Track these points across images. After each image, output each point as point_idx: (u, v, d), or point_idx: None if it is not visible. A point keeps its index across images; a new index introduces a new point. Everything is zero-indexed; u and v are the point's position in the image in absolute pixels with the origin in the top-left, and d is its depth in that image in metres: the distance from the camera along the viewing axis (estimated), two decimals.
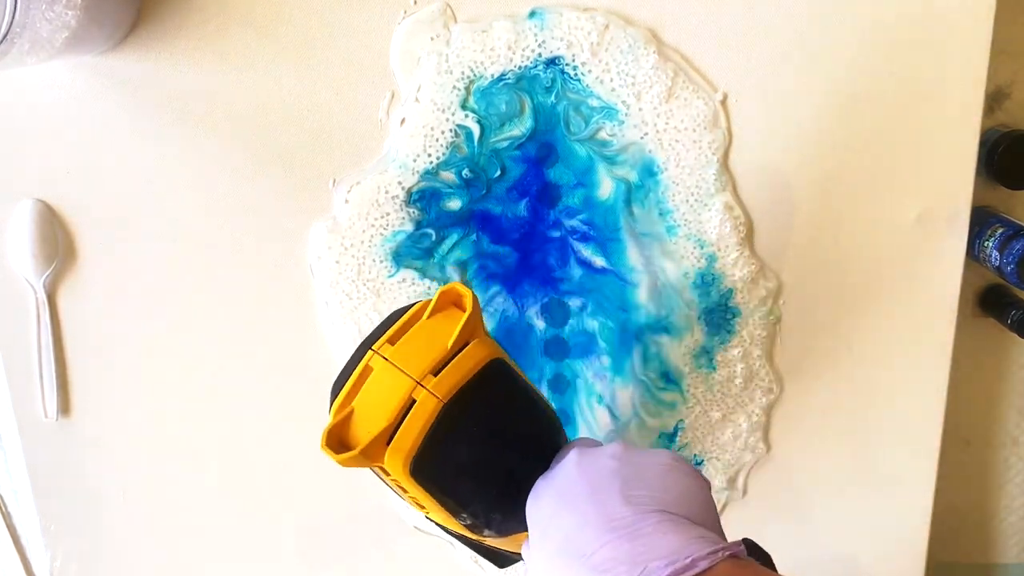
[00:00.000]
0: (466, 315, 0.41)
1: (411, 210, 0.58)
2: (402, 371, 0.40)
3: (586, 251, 0.60)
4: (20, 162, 0.55)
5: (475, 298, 0.42)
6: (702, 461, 0.65)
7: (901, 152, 0.60)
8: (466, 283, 0.60)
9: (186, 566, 0.64)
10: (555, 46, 0.56)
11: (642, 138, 0.58)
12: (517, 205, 0.59)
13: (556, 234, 0.60)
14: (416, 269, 0.59)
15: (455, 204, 0.58)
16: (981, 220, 0.69)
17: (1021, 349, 0.78)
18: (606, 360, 0.62)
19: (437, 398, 0.40)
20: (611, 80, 0.57)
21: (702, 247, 0.60)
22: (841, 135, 0.60)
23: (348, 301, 0.59)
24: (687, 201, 0.59)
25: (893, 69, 0.59)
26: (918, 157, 0.60)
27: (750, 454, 0.65)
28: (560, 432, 0.47)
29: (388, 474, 0.41)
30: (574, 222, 0.60)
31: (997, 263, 0.67)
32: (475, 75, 0.56)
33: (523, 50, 0.56)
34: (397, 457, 0.40)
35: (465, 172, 0.57)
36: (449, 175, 0.57)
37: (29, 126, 0.54)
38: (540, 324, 0.61)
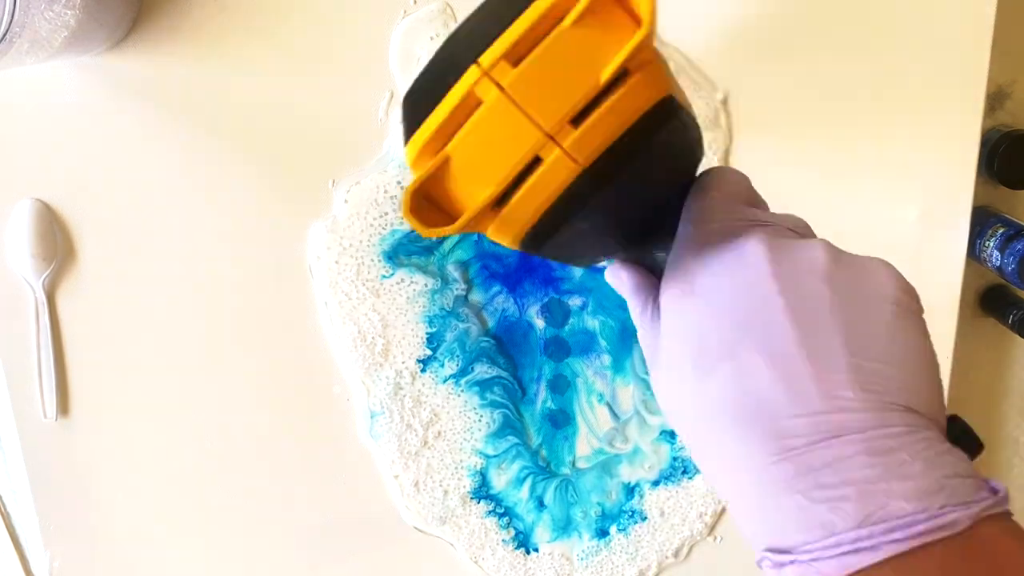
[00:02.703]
0: (641, 33, 0.28)
1: None
2: (527, 116, 0.27)
3: None
4: (20, 162, 0.55)
5: (654, 5, 0.29)
6: None
7: (901, 152, 0.60)
8: (468, 282, 0.60)
9: (186, 566, 0.64)
10: None
11: None
12: None
13: None
14: (416, 268, 0.59)
15: None
16: (982, 220, 0.69)
17: (1022, 349, 0.78)
18: (607, 359, 0.62)
19: (575, 162, 0.28)
20: None
21: None
22: (841, 135, 0.60)
23: (347, 301, 0.59)
24: None
25: (893, 69, 0.59)
26: (918, 157, 0.60)
27: None
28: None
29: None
30: None
31: (998, 263, 0.67)
32: None
33: None
34: (506, 232, 0.29)
35: None
36: None
37: (29, 126, 0.54)
38: (540, 324, 0.61)
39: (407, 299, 0.59)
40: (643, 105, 0.28)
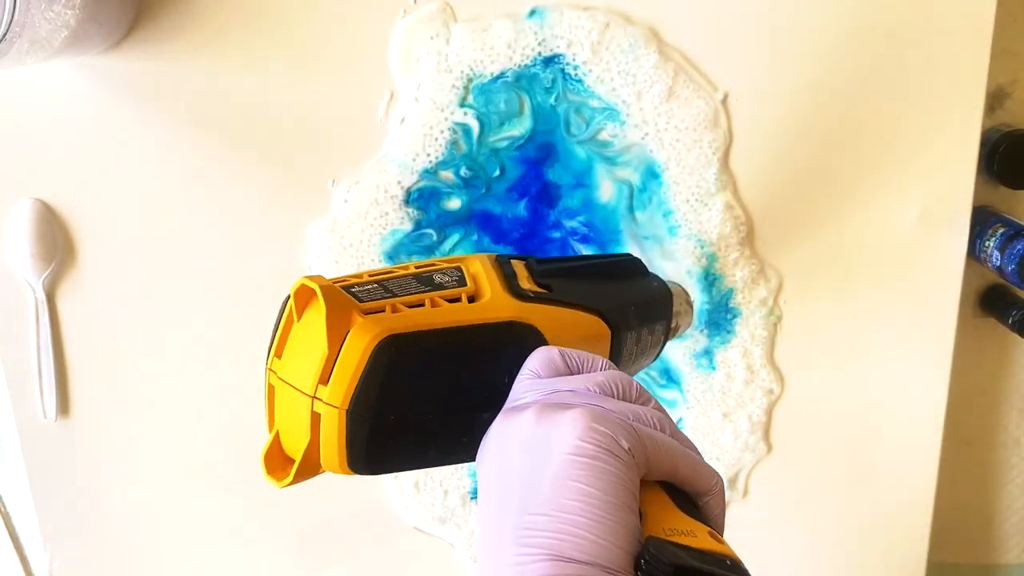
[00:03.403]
0: (323, 312, 0.35)
1: (410, 210, 0.58)
2: (292, 387, 0.36)
3: (586, 252, 0.60)
4: (20, 162, 0.55)
5: (327, 287, 0.36)
6: None
7: (901, 152, 0.60)
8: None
9: (186, 566, 0.64)
10: (555, 44, 0.56)
11: (643, 138, 0.58)
12: (517, 205, 0.59)
13: (556, 235, 0.60)
14: None
15: (455, 203, 0.58)
16: (982, 220, 0.69)
17: (1022, 349, 0.78)
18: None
19: (336, 408, 0.35)
20: (612, 79, 0.57)
21: (702, 247, 0.60)
22: (841, 135, 0.60)
23: None
24: (688, 201, 0.59)
25: (894, 69, 0.59)
26: (918, 157, 0.60)
27: (750, 454, 0.65)
28: (530, 335, 0.39)
29: None
30: (574, 223, 0.59)
31: (998, 263, 0.67)
32: (474, 74, 0.56)
33: (523, 49, 0.56)
34: (335, 470, 0.36)
35: (464, 171, 0.57)
36: (448, 175, 0.57)
37: (29, 126, 0.54)
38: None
39: None
40: (366, 349, 0.35)
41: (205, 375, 0.60)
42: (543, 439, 0.30)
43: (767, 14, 0.57)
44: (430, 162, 0.57)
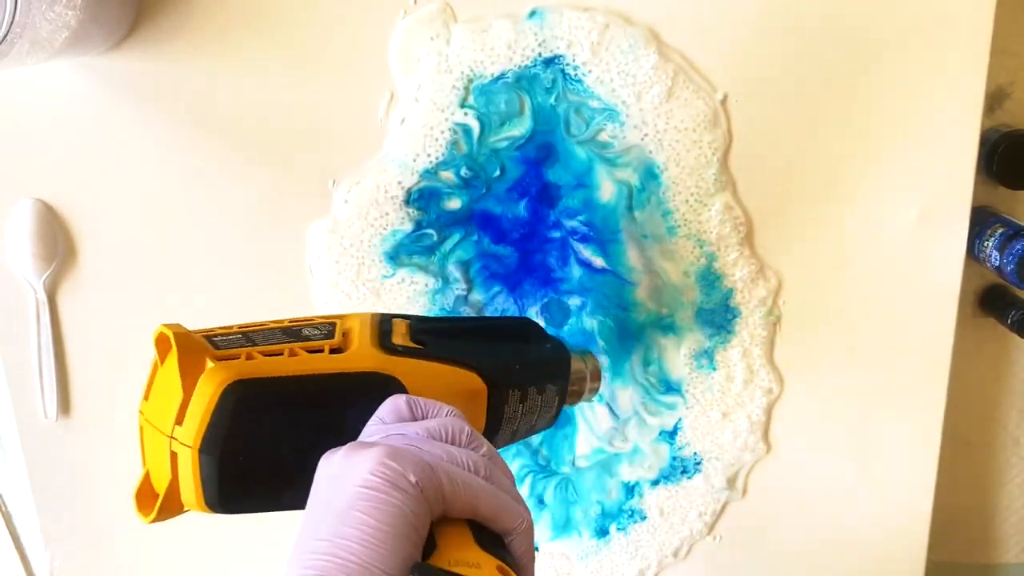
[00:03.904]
0: (174, 357, 0.38)
1: (411, 210, 0.58)
2: (155, 427, 0.39)
3: (586, 251, 0.60)
4: (20, 162, 0.55)
5: (180, 333, 0.38)
6: (701, 461, 0.65)
7: (901, 152, 0.60)
8: (469, 282, 0.60)
9: (186, 566, 0.64)
10: (555, 45, 0.56)
11: (642, 139, 0.58)
12: (517, 205, 0.59)
13: (556, 235, 0.60)
14: (416, 268, 0.59)
15: (455, 204, 0.58)
16: (981, 220, 0.69)
17: (1021, 349, 0.78)
18: (604, 359, 0.62)
19: (188, 447, 0.37)
20: (611, 80, 0.57)
21: (702, 247, 0.60)
22: (841, 135, 0.60)
23: (348, 301, 0.59)
24: (687, 201, 0.59)
25: (893, 69, 0.59)
26: (918, 157, 0.60)
27: (750, 454, 0.65)
28: (391, 386, 0.41)
29: None
30: (574, 223, 0.60)
31: (997, 263, 0.67)
32: (475, 74, 0.56)
33: (523, 49, 0.56)
34: (194, 507, 0.39)
35: (464, 171, 0.57)
36: (449, 175, 0.57)
37: (29, 126, 0.54)
38: (540, 324, 0.61)
39: (408, 299, 0.59)
40: (214, 392, 0.37)
41: None
42: (343, 474, 0.32)
43: (767, 14, 0.57)
44: (430, 162, 0.57)
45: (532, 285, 0.61)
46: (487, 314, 0.61)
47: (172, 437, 0.38)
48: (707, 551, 0.68)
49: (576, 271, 0.60)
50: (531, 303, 0.61)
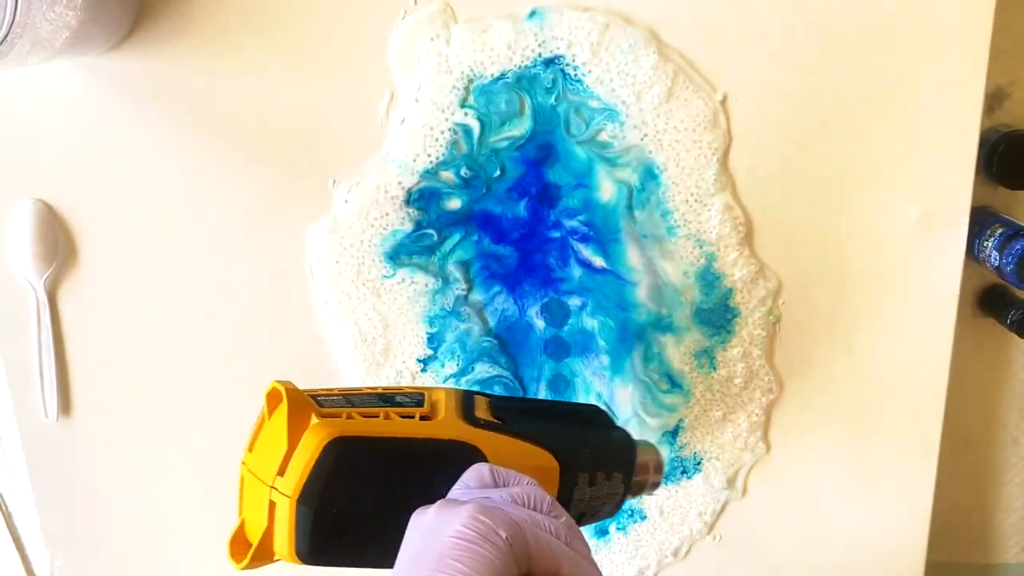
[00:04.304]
0: (283, 411, 0.40)
1: (411, 210, 0.58)
2: (257, 477, 0.41)
3: (586, 251, 0.60)
4: (20, 162, 0.55)
5: (292, 390, 0.41)
6: (701, 461, 0.65)
7: (901, 152, 0.60)
8: (469, 282, 0.60)
9: (186, 566, 0.64)
10: (555, 45, 0.56)
11: (642, 139, 0.58)
12: (517, 205, 0.59)
13: (556, 235, 0.60)
14: (416, 268, 0.59)
15: (455, 204, 0.58)
16: (981, 220, 0.69)
17: (1021, 349, 0.78)
18: (605, 359, 0.62)
19: (287, 496, 0.40)
20: (611, 80, 0.57)
21: (702, 247, 0.60)
22: (841, 135, 0.60)
23: (348, 301, 0.59)
24: (687, 201, 0.60)
25: (893, 69, 0.59)
26: (918, 157, 0.60)
27: (750, 454, 0.65)
28: (473, 455, 0.44)
29: None
30: (574, 223, 0.60)
31: (997, 263, 0.67)
32: (475, 75, 0.56)
33: (523, 50, 0.56)
34: (284, 557, 0.41)
35: (464, 171, 0.57)
36: (449, 175, 0.58)
37: (29, 126, 0.54)
38: (540, 324, 0.61)
39: (408, 299, 0.59)
40: (318, 446, 0.40)
41: (205, 375, 0.60)
42: (437, 526, 0.35)
43: (767, 15, 0.57)
44: (431, 162, 0.57)
45: (532, 285, 0.61)
46: (491, 323, 0.61)
47: (273, 487, 0.40)
48: (707, 551, 0.68)
49: (576, 271, 0.60)
50: (531, 303, 0.61)
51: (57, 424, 0.59)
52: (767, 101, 0.59)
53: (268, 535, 0.41)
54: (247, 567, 0.41)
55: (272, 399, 0.42)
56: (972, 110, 0.60)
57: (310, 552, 0.40)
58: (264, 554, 0.41)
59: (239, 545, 0.42)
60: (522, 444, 0.46)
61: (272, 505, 0.40)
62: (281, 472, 0.40)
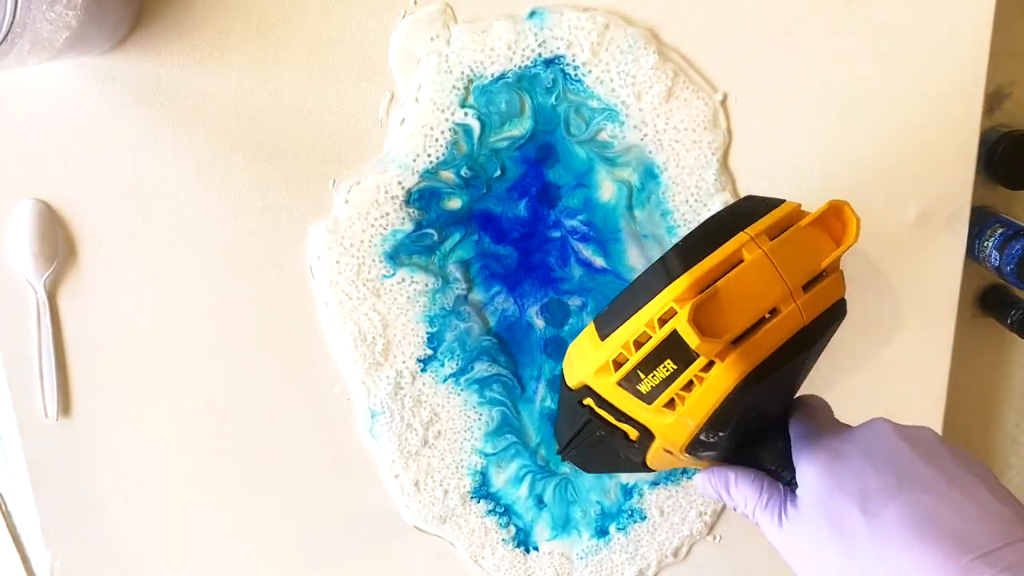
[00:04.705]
0: (850, 242, 0.38)
1: (411, 210, 0.58)
2: (779, 273, 0.37)
3: (586, 251, 0.60)
4: (20, 162, 0.55)
5: (859, 225, 0.39)
6: None
7: (901, 152, 0.60)
8: (469, 282, 0.60)
9: (186, 566, 0.64)
10: (555, 45, 0.56)
11: (642, 139, 0.58)
12: (517, 205, 0.59)
13: (556, 234, 0.60)
14: (416, 268, 0.59)
15: (455, 203, 0.58)
16: (981, 220, 0.69)
17: (1021, 349, 0.78)
18: None
19: (802, 316, 0.37)
20: (611, 80, 0.57)
21: None
22: (841, 135, 0.60)
23: (348, 301, 0.59)
24: (687, 201, 0.60)
25: (893, 69, 0.59)
26: (918, 157, 0.60)
27: None
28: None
29: (687, 367, 0.39)
30: (574, 222, 0.60)
31: (997, 263, 0.67)
32: (475, 75, 0.56)
33: (523, 50, 0.56)
34: (738, 365, 0.37)
35: (464, 171, 0.57)
36: (449, 175, 0.58)
37: (29, 126, 0.54)
38: (540, 324, 0.61)
39: (408, 299, 0.59)
40: (840, 293, 0.39)
41: (206, 375, 0.60)
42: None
43: (767, 15, 0.57)
44: (431, 162, 0.57)
45: (532, 285, 0.61)
46: (491, 323, 0.61)
47: (792, 296, 0.38)
48: (707, 551, 0.68)
49: (576, 271, 0.60)
50: (531, 303, 0.61)
51: (57, 424, 0.59)
52: (767, 101, 0.59)
53: (742, 331, 0.37)
54: (703, 348, 0.37)
55: (830, 214, 0.40)
56: (972, 110, 0.60)
57: (757, 377, 0.38)
58: (718, 350, 0.37)
59: (707, 316, 0.37)
60: None
61: (773, 313, 0.37)
62: (805, 288, 0.38)
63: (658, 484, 0.65)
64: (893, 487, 0.38)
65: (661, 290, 0.39)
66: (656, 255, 0.60)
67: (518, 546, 0.65)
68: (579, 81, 0.57)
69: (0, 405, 0.59)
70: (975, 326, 0.76)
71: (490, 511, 0.64)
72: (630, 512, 0.66)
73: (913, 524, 0.37)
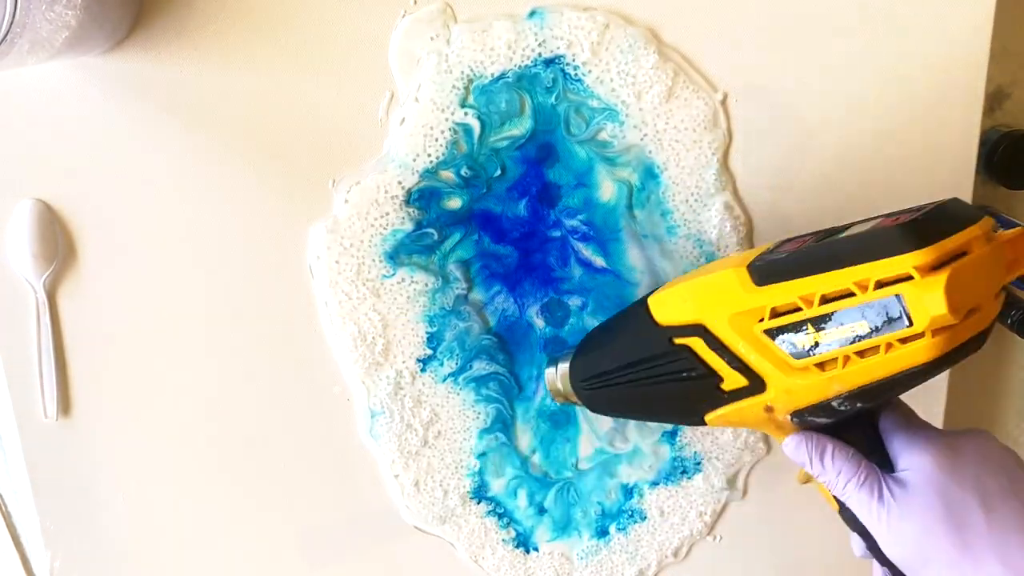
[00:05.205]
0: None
1: (411, 209, 0.58)
2: (995, 275, 0.42)
3: (586, 251, 0.60)
4: (20, 162, 0.55)
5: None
6: (701, 461, 0.65)
7: (901, 152, 0.60)
8: (469, 281, 0.60)
9: (186, 566, 0.64)
10: (555, 45, 0.56)
11: (642, 139, 0.58)
12: (517, 205, 0.59)
13: (556, 234, 0.60)
14: (416, 267, 0.59)
15: (455, 203, 0.58)
16: None
17: (1021, 349, 0.78)
18: None
19: (987, 322, 0.43)
20: (611, 80, 0.57)
21: (702, 247, 0.60)
22: (841, 135, 0.60)
23: (348, 301, 0.59)
24: (687, 201, 0.60)
25: (893, 69, 0.59)
26: (918, 157, 0.60)
27: (750, 454, 0.65)
28: None
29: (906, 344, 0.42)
30: (574, 222, 0.60)
31: None
32: (475, 74, 0.56)
33: (523, 49, 0.56)
34: (941, 345, 0.40)
35: (464, 170, 0.57)
36: (449, 174, 0.58)
37: (29, 126, 0.54)
38: (540, 323, 0.61)
39: (407, 298, 0.59)
40: (994, 316, 0.45)
41: (206, 375, 0.60)
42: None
43: (767, 15, 0.57)
44: (431, 162, 0.57)
45: (532, 284, 0.61)
46: (491, 323, 0.61)
47: (1004, 287, 0.44)
48: (707, 551, 0.68)
49: (576, 271, 0.60)
50: (531, 302, 0.61)
51: (57, 424, 0.59)
52: (767, 101, 0.59)
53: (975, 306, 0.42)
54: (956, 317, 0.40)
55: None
56: (973, 110, 0.60)
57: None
58: (961, 329, 0.42)
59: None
60: None
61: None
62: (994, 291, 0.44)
63: (658, 485, 0.65)
64: (1007, 488, 0.43)
65: (894, 255, 0.41)
66: (656, 254, 0.60)
67: (518, 547, 0.65)
68: (579, 81, 0.57)
69: (0, 405, 0.59)
70: None
71: (490, 511, 0.64)
72: (630, 512, 0.66)
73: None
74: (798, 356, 0.45)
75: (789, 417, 0.48)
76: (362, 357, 0.60)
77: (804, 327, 0.44)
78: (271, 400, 0.61)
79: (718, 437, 0.65)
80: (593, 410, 0.58)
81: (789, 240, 0.49)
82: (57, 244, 0.56)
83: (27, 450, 0.59)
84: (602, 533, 0.66)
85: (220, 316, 0.59)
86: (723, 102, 0.58)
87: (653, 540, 0.66)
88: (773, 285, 0.45)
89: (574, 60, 0.56)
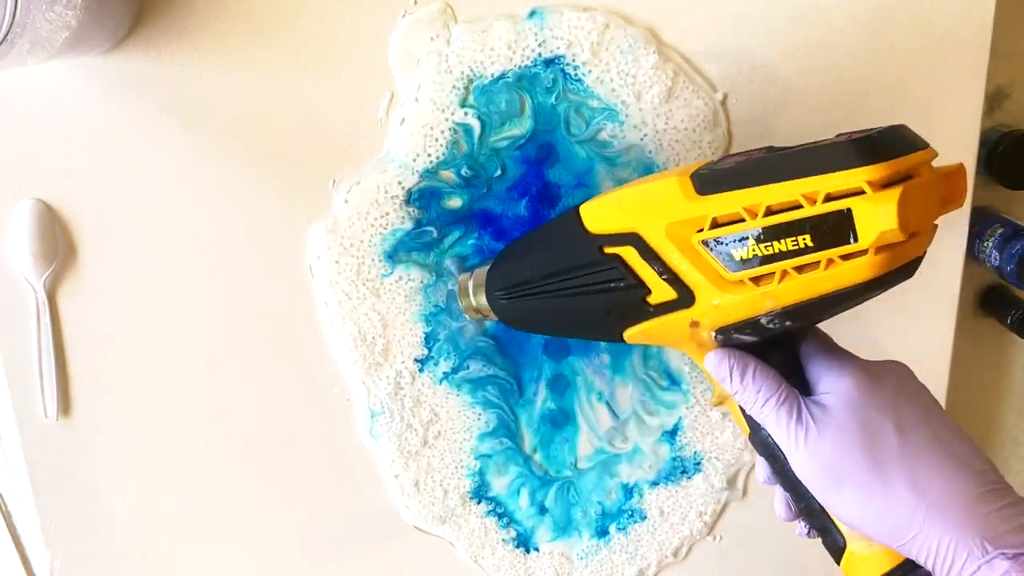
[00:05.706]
0: (959, 204, 0.43)
1: (411, 209, 0.58)
2: (937, 201, 0.42)
3: None
4: (20, 162, 0.55)
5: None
6: (701, 461, 0.65)
7: None
8: (465, 270, 0.59)
9: (186, 566, 0.64)
10: (555, 45, 0.56)
11: (642, 139, 0.58)
12: (517, 205, 0.59)
13: None
14: (413, 263, 0.59)
15: (456, 203, 0.58)
16: (981, 220, 0.69)
17: (1021, 349, 0.78)
18: (606, 358, 0.62)
19: (922, 248, 0.43)
20: (611, 80, 0.57)
21: None
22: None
23: (348, 301, 0.59)
24: None
25: (893, 69, 0.59)
26: None
27: (750, 454, 0.65)
28: None
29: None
30: None
31: (997, 263, 0.67)
32: (475, 75, 0.56)
33: (523, 50, 0.56)
34: (881, 264, 0.40)
35: (464, 170, 0.57)
36: (449, 174, 0.58)
37: (29, 126, 0.54)
38: None
39: (405, 297, 0.59)
40: (924, 247, 0.44)
41: (206, 375, 0.60)
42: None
43: (767, 15, 0.57)
44: (431, 162, 0.57)
45: None
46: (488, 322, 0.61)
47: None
48: (707, 551, 0.68)
49: None
50: None
51: (57, 424, 0.59)
52: (767, 102, 0.59)
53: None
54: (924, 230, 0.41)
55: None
56: (972, 110, 0.60)
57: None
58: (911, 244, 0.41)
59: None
60: None
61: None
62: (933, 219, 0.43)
63: (658, 484, 0.65)
64: (922, 416, 0.44)
65: (846, 169, 0.40)
66: None
67: (518, 546, 0.65)
68: (579, 81, 0.57)
69: (0, 405, 0.59)
70: (975, 326, 0.76)
71: (490, 511, 0.64)
72: (630, 512, 0.66)
73: (939, 450, 0.42)
74: (734, 269, 0.43)
75: (713, 334, 0.46)
76: (362, 357, 0.60)
77: (745, 239, 0.42)
78: (271, 400, 0.61)
79: (718, 437, 0.65)
80: (506, 323, 0.55)
81: (737, 153, 0.47)
82: (57, 244, 0.56)
83: (27, 450, 0.59)
84: (602, 533, 0.66)
85: (220, 316, 0.59)
86: (723, 102, 0.58)
87: (653, 540, 0.66)
88: (717, 194, 0.43)
89: (574, 60, 0.56)
